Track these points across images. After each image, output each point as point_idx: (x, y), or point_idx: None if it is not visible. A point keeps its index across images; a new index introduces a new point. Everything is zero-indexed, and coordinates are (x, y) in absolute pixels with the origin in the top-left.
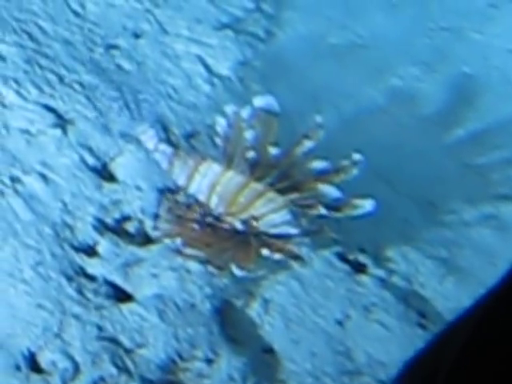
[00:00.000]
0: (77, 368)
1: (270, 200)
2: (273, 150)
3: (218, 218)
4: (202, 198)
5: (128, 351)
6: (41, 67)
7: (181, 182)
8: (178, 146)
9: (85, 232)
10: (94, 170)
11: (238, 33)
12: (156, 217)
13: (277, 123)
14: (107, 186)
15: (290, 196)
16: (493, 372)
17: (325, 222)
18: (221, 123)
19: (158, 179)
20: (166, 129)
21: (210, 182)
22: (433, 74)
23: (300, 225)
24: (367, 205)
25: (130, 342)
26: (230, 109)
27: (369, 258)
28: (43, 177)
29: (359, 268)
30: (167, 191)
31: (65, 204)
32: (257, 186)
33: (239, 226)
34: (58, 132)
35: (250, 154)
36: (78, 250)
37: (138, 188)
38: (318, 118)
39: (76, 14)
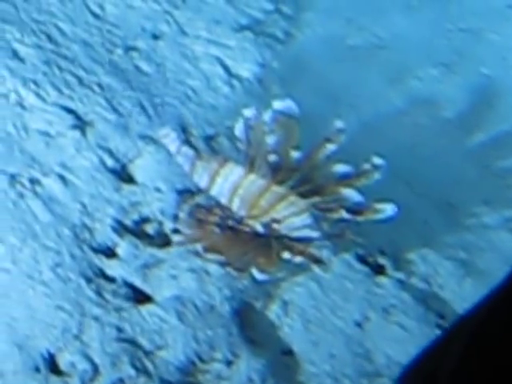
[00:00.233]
0: (96, 370)
1: (291, 203)
2: (294, 154)
3: (239, 221)
4: (223, 200)
5: (147, 353)
6: (60, 69)
7: (203, 184)
8: (198, 148)
9: (104, 233)
10: (113, 171)
11: (257, 34)
12: (175, 218)
13: (298, 127)
14: (126, 187)
15: (311, 199)
16: (494, 372)
17: (346, 226)
18: (242, 126)
19: (178, 180)
20: (184, 130)
21: (231, 185)
22: (452, 75)
23: (321, 228)
24: (388, 209)
25: (149, 344)
26: (250, 111)
27: (388, 259)
28: (62, 178)
29: (378, 270)
30: (188, 193)
31: (84, 206)
32: (278, 190)
33: (260, 228)
34: (77, 134)
35: (272, 158)
36: (97, 251)
37: (158, 189)
38: (340, 123)
39: (95, 15)
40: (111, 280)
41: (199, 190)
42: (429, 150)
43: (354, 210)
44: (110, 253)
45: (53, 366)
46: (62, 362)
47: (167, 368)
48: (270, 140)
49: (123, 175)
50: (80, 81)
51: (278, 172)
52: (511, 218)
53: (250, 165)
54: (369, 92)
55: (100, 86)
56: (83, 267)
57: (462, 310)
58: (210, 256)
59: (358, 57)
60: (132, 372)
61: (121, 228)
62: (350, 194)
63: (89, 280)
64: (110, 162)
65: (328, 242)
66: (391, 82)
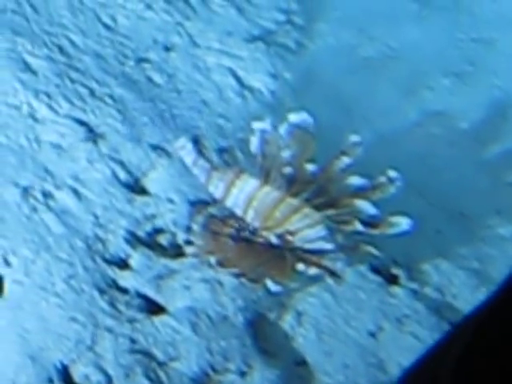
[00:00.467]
0: (110, 381)
1: (305, 215)
2: (309, 166)
3: (253, 233)
4: (238, 211)
5: (161, 364)
6: (72, 81)
7: (218, 195)
8: (211, 160)
9: (117, 245)
10: (125, 183)
11: (269, 45)
12: (188, 229)
13: (313, 140)
14: (139, 199)
15: (326, 212)
16: (495, 371)
17: (360, 239)
18: (257, 138)
19: (190, 192)
20: (197, 142)
21: (246, 197)
22: (464, 86)
23: (335, 240)
24: (404, 223)
25: (162, 355)
26: (265, 124)
27: (401, 269)
28: (75, 191)
29: (392, 279)
30: (200, 205)
31: (97, 217)
32: (293, 202)
33: (275, 240)
34: (89, 146)
35: (287, 170)
36: (110, 262)
37: (170, 201)
38: (356, 136)
39: (107, 27)
40: (124, 291)
41: (212, 201)
42: (441, 161)
43: (369, 222)
44: (122, 264)
45: (66, 377)
46: (76, 373)
47: (181, 379)
48: (285, 153)
49: (136, 187)
50: (92, 93)
51: (292, 184)
52: None
53: (265, 177)
54: (381, 103)
55: (112, 97)
56: (96, 279)
57: None
58: (223, 267)
59: (370, 67)
60: (146, 383)
61: (134, 239)
62: (365, 206)
63: (102, 291)
64: (122, 174)
65: (342, 254)
66: (403, 93)
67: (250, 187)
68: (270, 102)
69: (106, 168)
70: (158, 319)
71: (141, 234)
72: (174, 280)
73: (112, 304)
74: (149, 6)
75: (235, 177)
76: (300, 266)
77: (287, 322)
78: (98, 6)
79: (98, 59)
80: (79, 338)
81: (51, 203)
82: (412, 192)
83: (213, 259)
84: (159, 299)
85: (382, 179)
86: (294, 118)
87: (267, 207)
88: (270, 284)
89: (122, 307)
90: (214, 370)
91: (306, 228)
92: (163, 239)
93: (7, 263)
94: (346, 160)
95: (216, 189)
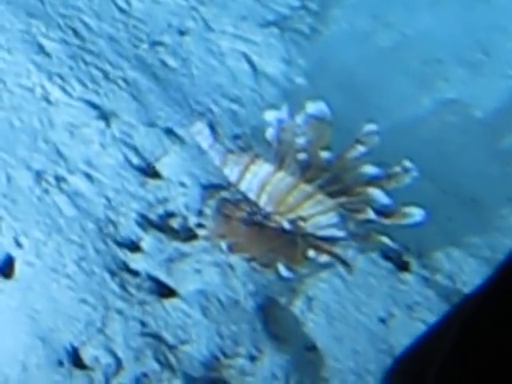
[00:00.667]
0: (119, 364)
1: (318, 202)
2: (324, 154)
3: (266, 217)
4: (251, 196)
5: (171, 347)
6: (86, 63)
7: (232, 178)
8: (225, 145)
9: (128, 228)
10: (138, 166)
11: (283, 30)
12: (200, 213)
13: (330, 129)
14: (151, 182)
15: (339, 199)
16: (482, 371)
17: (372, 227)
18: (273, 125)
19: (202, 175)
20: (211, 127)
21: (260, 181)
22: (478, 75)
23: (347, 228)
24: (417, 214)
25: (173, 338)
26: (281, 112)
27: (412, 256)
28: (87, 174)
29: (403, 266)
30: (213, 189)
31: (109, 200)
32: (306, 188)
33: (287, 225)
34: (102, 129)
35: (301, 156)
36: (121, 245)
37: (182, 184)
38: (372, 125)
39: (121, 10)
40: (135, 274)
41: (227, 185)
42: (454, 148)
43: (382, 211)
44: (134, 247)
45: (76, 359)
46: (86, 355)
47: (191, 363)
48: (301, 139)
49: (148, 170)
50: (106, 75)
51: (306, 171)
52: None
53: (280, 162)
54: (395, 90)
55: (126, 80)
56: (107, 261)
57: None
58: (235, 251)
59: (384, 54)
60: (156, 366)
61: (145, 222)
62: (378, 195)
63: (113, 273)
64: (135, 158)
65: (354, 242)
66: (417, 81)
67: (265, 172)
68: (284, 87)
69: (119, 151)
70: (168, 302)
71: (152, 217)
72: (185, 263)
73: (123, 286)
74: None
75: (250, 161)
76: (311, 253)
77: (298, 307)
78: None
79: (112, 42)
80: (89, 320)
81: (63, 186)
82: (425, 179)
83: (224, 243)
84: (170, 282)
85: (397, 169)
86: (311, 107)
87: (280, 192)
88: (281, 269)
89: (132, 290)
90: (224, 354)
91: (319, 214)
92: (175, 222)
93: (19, 245)
94: (361, 148)
95: (231, 172)
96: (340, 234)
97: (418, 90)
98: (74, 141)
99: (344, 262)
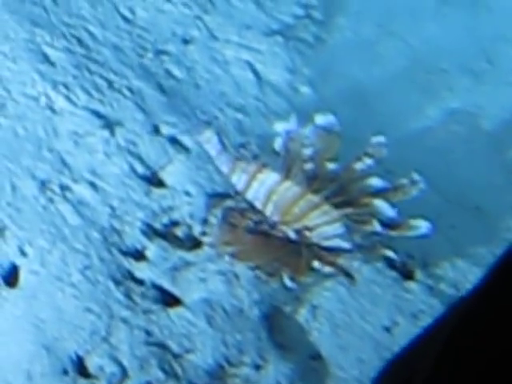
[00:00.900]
0: (124, 373)
1: (324, 212)
2: (331, 165)
3: (272, 226)
4: (258, 204)
5: (176, 356)
6: (90, 72)
7: (239, 187)
8: (230, 153)
9: (133, 236)
10: (143, 175)
11: (288, 39)
12: (205, 222)
13: (338, 141)
14: (156, 191)
15: (344, 210)
16: (469, 379)
17: (378, 239)
18: (281, 134)
19: (208, 185)
20: (218, 134)
21: (267, 190)
22: (482, 84)
23: (352, 239)
24: (423, 227)
25: (177, 347)
26: (289, 123)
27: (417, 264)
28: (92, 183)
29: (407, 275)
30: (217, 198)
31: (113, 209)
32: (313, 198)
33: (293, 235)
34: (106, 138)
35: (309, 167)
36: (126, 254)
37: (187, 193)
38: (380, 137)
39: (125, 19)
40: (140, 282)
41: (230, 194)
42: (459, 157)
43: (388, 223)
44: (138, 255)
45: (81, 368)
46: (91, 364)
47: (196, 371)
48: (308, 150)
49: (153, 179)
50: (110, 84)
51: (313, 181)
52: None
53: (287, 172)
54: (399, 99)
55: (130, 89)
56: (112, 270)
57: None
58: (240, 259)
59: (388, 63)
60: (161, 375)
61: (150, 231)
62: (384, 207)
63: (117, 282)
64: (139, 166)
65: (359, 253)
66: (421, 90)
67: (271, 181)
68: (288, 96)
69: (124, 160)
70: (173, 311)
71: (157, 225)
72: (189, 272)
73: (127, 295)
74: None
75: (257, 170)
76: (316, 264)
77: (302, 315)
78: None
79: (116, 51)
80: (94, 329)
81: (68, 195)
82: (429, 188)
83: (229, 251)
84: (175, 291)
85: (405, 181)
86: (320, 119)
87: (287, 202)
88: (286, 279)
89: (137, 298)
90: (228, 362)
91: (324, 225)
92: (179, 231)
93: (23, 253)
94: (368, 161)
95: (238, 180)
96: (345, 245)
97: (422, 99)
98: (78, 150)
99: (348, 274)
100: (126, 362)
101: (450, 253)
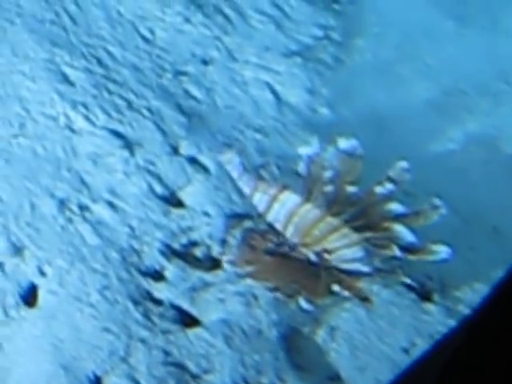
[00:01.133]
0: None
1: (344, 235)
2: (352, 189)
3: (292, 248)
4: (278, 226)
5: (194, 377)
6: (109, 92)
7: (261, 208)
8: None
9: (152, 257)
10: (161, 195)
11: (307, 60)
12: (223, 242)
13: (360, 166)
14: (175, 211)
15: (364, 234)
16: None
17: (397, 264)
18: (303, 157)
19: (226, 205)
20: (239, 155)
21: (288, 212)
22: (500, 105)
23: (372, 263)
24: (443, 252)
25: (196, 368)
26: (312, 147)
27: (435, 286)
28: (111, 203)
29: (425, 296)
30: (238, 219)
31: (132, 229)
32: (333, 221)
33: (313, 257)
34: (126, 157)
35: (329, 190)
36: (144, 274)
37: (206, 214)
38: (404, 162)
39: (145, 39)
40: (159, 303)
41: (249, 215)
42: (477, 178)
43: (407, 248)
44: (157, 276)
45: None
46: None
47: None
48: (329, 173)
49: (172, 199)
50: (129, 104)
51: (334, 204)
52: None
53: (308, 194)
54: (417, 120)
55: (149, 110)
56: (131, 290)
57: None
58: (259, 280)
59: (407, 84)
60: None
61: (169, 251)
62: (404, 233)
63: (136, 302)
64: (158, 187)
65: (378, 277)
66: (440, 111)
67: (292, 203)
68: (307, 117)
69: (143, 180)
70: (191, 331)
71: (176, 246)
72: (208, 292)
73: (146, 315)
74: (187, 20)
75: (278, 192)
76: (335, 288)
77: (320, 336)
78: (137, 18)
79: (135, 71)
80: (113, 349)
81: (87, 214)
82: (447, 209)
83: (249, 270)
84: (193, 311)
85: (426, 206)
86: (343, 143)
87: (307, 224)
88: (302, 302)
89: (156, 319)
90: (246, 383)
91: (344, 248)
92: (198, 252)
93: (42, 273)
94: (389, 185)
95: (260, 202)
96: (365, 268)
97: (441, 121)
98: (97, 169)
99: (366, 299)
100: (144, 382)
101: (467, 274)
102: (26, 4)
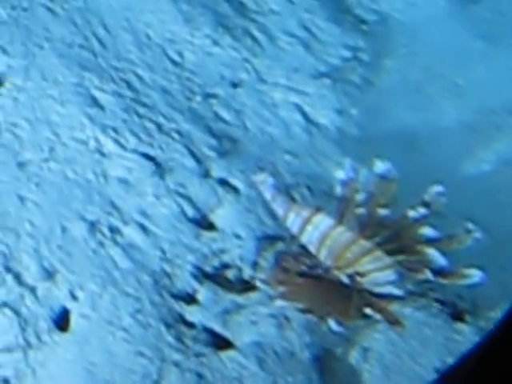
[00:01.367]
0: None
1: (376, 258)
2: (385, 211)
3: (326, 271)
4: (312, 249)
5: None
6: (139, 116)
7: (294, 230)
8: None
9: (184, 280)
10: (192, 218)
11: (336, 81)
12: (255, 265)
13: (394, 189)
14: (206, 234)
15: (397, 257)
16: None
17: (430, 287)
18: (336, 178)
19: (258, 227)
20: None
21: (321, 235)
22: None
23: (404, 286)
24: (476, 276)
25: None
26: (346, 171)
27: (467, 305)
28: (142, 226)
29: (457, 316)
30: (270, 240)
31: (164, 252)
32: (365, 244)
33: (346, 280)
34: (156, 181)
35: (361, 212)
36: (176, 297)
37: (237, 236)
38: (439, 187)
39: (174, 62)
40: (191, 326)
41: (280, 237)
42: (508, 197)
43: (440, 272)
44: (189, 299)
45: None
46: None
47: None
48: (362, 196)
49: (203, 222)
50: (159, 128)
51: (366, 227)
52: None
53: (340, 216)
54: (447, 140)
55: (179, 132)
56: (163, 313)
57: None
58: (291, 302)
59: (437, 104)
60: None
61: (201, 274)
62: (436, 257)
63: (169, 326)
64: (189, 209)
65: (410, 301)
66: (470, 131)
67: (325, 226)
68: (337, 138)
69: (173, 203)
70: (224, 354)
71: (208, 268)
72: (240, 315)
73: (179, 338)
74: (216, 42)
75: (312, 214)
76: (368, 310)
77: (353, 357)
78: (166, 41)
79: (165, 94)
80: (146, 373)
81: (118, 238)
82: (478, 228)
83: (282, 290)
84: (226, 334)
85: (460, 231)
86: (379, 167)
87: (340, 247)
88: (332, 324)
89: (188, 342)
90: None
91: (376, 271)
92: (230, 274)
93: (74, 297)
94: (423, 210)
95: (293, 224)
96: (397, 292)
97: (471, 140)
98: (128, 193)
99: (397, 322)
100: None
101: (499, 294)
102: (54, 28)
